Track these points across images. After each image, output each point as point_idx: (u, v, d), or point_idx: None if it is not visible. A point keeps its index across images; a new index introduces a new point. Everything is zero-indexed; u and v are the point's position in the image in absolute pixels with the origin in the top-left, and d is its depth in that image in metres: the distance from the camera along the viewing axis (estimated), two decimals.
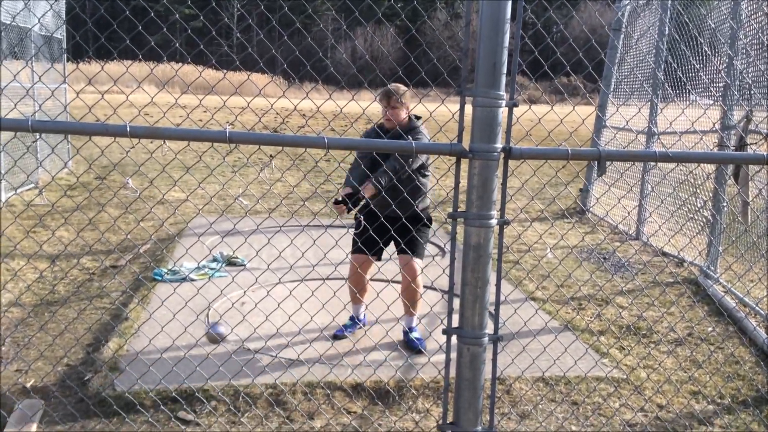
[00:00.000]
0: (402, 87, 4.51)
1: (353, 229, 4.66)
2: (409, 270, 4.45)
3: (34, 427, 3.35)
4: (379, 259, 4.61)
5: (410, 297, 4.53)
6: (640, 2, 8.74)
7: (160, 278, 5.74)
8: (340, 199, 4.24)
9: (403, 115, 4.49)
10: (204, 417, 3.56)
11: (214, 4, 2.44)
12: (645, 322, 5.22)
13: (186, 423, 3.50)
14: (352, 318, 4.79)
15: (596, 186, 9.57)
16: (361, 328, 4.80)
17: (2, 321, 4.74)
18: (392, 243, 4.56)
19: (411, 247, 4.40)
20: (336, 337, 4.60)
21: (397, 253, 4.60)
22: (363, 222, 4.44)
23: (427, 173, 4.63)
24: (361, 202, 4.31)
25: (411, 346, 4.47)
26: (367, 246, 4.42)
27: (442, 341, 2.82)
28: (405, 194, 4.05)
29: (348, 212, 4.29)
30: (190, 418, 3.54)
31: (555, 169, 2.80)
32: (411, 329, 4.57)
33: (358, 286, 4.64)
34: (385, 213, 4.08)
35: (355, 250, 4.58)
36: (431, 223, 4.70)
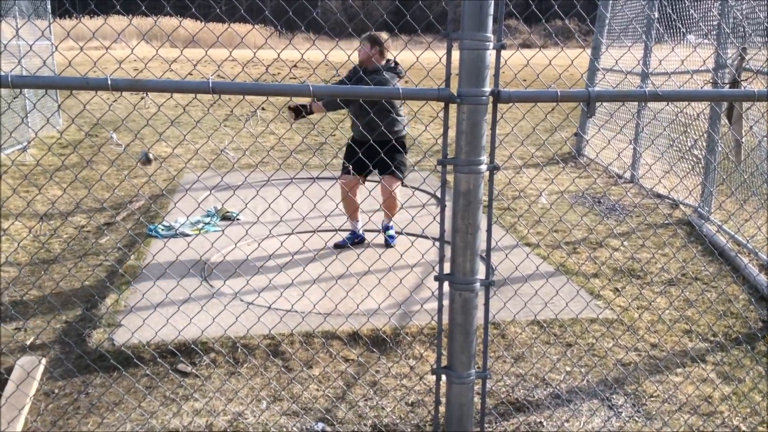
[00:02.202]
0: (384, 35, 5.30)
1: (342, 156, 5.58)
2: (389, 182, 5.36)
3: (35, 383, 3.39)
4: (364, 181, 5.52)
5: (389, 205, 5.46)
6: None
7: (153, 234, 5.74)
8: (293, 107, 5.18)
9: (382, 59, 5.31)
10: (203, 369, 3.61)
11: None
12: (638, 263, 5.25)
13: (185, 375, 3.55)
14: (352, 232, 5.65)
15: (590, 130, 9.52)
16: (359, 240, 5.63)
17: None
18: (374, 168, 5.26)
19: (389, 167, 5.11)
20: (337, 246, 5.44)
21: (379, 174, 5.49)
22: (352, 146, 5.31)
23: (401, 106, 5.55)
24: (308, 116, 5.28)
25: (386, 242, 5.59)
26: (355, 168, 5.26)
27: (434, 288, 2.84)
28: (384, 122, 4.98)
29: (295, 119, 5.26)
30: (188, 370, 3.58)
31: (545, 112, 2.77)
32: (387, 227, 5.64)
33: (350, 206, 5.54)
34: (370, 138, 4.71)
35: (345, 171, 5.42)
36: (406, 150, 5.61)
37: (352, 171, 5.35)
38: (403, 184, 5.73)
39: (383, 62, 5.32)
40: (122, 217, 6.43)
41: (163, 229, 5.83)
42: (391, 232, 5.66)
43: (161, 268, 4.57)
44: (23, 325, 4.09)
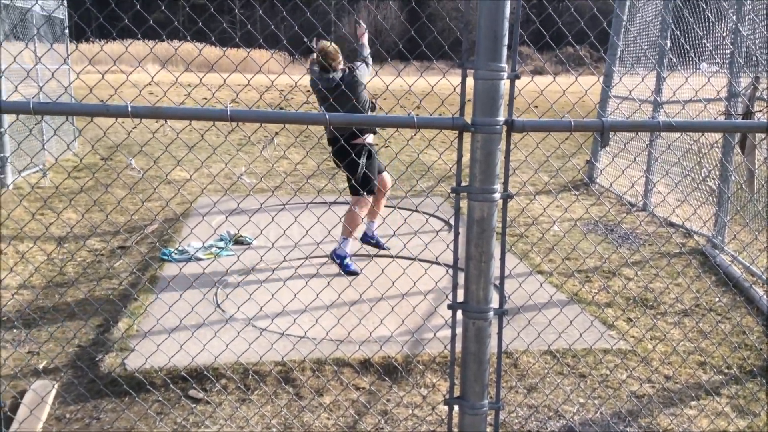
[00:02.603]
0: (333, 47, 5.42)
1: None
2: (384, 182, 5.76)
3: (47, 408, 3.39)
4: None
5: (346, 220, 5.44)
6: None
7: (167, 258, 5.77)
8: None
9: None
10: (214, 395, 3.60)
11: None
12: (651, 293, 5.21)
13: (196, 401, 3.54)
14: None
15: (603, 157, 9.52)
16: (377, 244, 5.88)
17: (12, 303, 4.77)
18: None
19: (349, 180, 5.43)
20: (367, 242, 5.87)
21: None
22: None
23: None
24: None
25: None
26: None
27: (447, 316, 2.83)
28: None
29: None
30: (200, 397, 3.57)
31: (559, 141, 2.78)
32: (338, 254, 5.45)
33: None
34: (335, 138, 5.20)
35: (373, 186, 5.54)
36: (371, 156, 5.50)
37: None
38: (369, 194, 5.56)
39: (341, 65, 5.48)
40: (136, 240, 6.47)
41: (176, 254, 5.86)
42: (347, 260, 5.43)
43: (175, 292, 4.58)
44: (38, 349, 4.10)
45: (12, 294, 4.92)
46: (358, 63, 5.43)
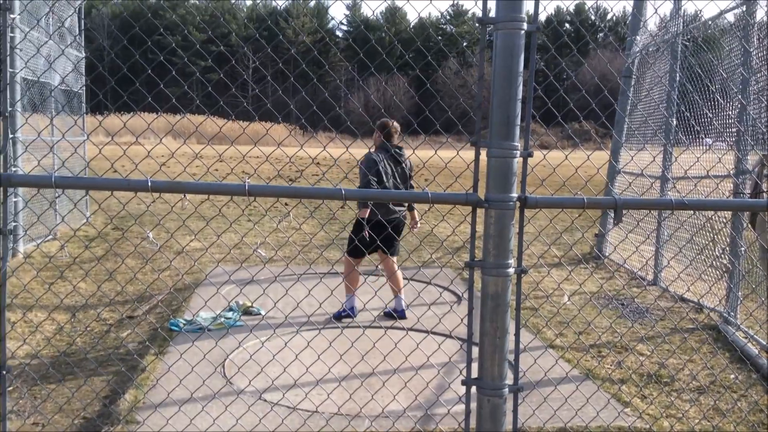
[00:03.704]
0: (389, 122, 6.28)
1: (354, 234, 6.12)
2: (388, 265, 6.25)
3: None
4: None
5: (395, 282, 6.23)
6: (650, 49, 8.84)
7: (176, 329, 5.75)
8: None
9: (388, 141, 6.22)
10: None
11: (233, 61, 2.51)
12: (666, 369, 5.14)
13: None
14: (351, 309, 6.22)
15: (612, 231, 9.54)
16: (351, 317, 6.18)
17: (20, 374, 4.75)
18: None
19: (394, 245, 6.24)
20: (340, 318, 6.11)
21: (381, 253, 6.21)
22: (368, 232, 5.77)
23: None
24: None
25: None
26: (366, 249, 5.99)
27: (461, 391, 2.80)
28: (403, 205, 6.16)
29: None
30: None
31: (571, 217, 2.81)
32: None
33: (355, 281, 6.24)
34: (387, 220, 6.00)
35: (357, 253, 6.08)
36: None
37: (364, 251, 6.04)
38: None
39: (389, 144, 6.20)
40: (145, 310, 6.47)
41: (185, 324, 5.85)
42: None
43: (183, 363, 4.55)
44: (44, 420, 4.05)
45: (21, 364, 4.90)
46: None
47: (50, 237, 9.58)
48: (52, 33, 9.61)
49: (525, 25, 2.31)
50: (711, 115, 6.52)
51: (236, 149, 2.82)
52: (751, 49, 5.70)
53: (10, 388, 4.45)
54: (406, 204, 6.16)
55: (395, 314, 6.24)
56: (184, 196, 2.48)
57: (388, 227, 5.88)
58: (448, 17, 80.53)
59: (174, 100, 2.63)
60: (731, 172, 5.75)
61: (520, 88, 2.35)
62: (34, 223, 8.60)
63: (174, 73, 2.55)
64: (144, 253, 8.94)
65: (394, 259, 6.33)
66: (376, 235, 5.62)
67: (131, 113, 3.23)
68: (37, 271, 3.88)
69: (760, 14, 5.78)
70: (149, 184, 2.36)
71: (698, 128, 6.79)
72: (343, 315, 6.19)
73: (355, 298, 6.27)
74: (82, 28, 11.74)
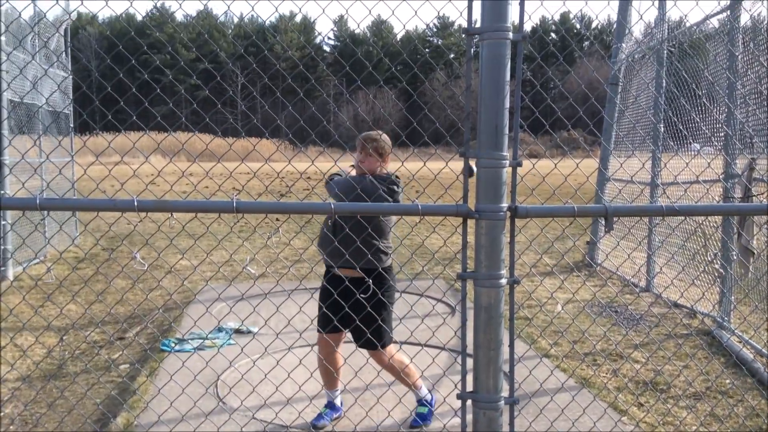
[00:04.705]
0: (384, 138, 4.12)
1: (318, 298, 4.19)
2: (379, 361, 4.12)
3: None
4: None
5: (398, 378, 4.20)
6: (636, 56, 8.89)
7: (167, 349, 5.69)
8: None
9: (376, 165, 4.07)
10: None
11: (218, 77, 2.49)
12: (662, 377, 5.11)
13: None
14: (329, 404, 4.25)
15: (604, 239, 9.54)
16: (338, 417, 4.22)
17: (10, 399, 4.67)
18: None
19: (374, 335, 3.91)
20: (315, 427, 4.07)
21: (357, 344, 4.11)
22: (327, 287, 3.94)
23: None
24: None
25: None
26: (333, 316, 3.97)
27: (456, 405, 2.76)
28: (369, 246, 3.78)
29: None
30: None
31: (562, 226, 2.79)
32: (420, 401, 4.26)
33: (332, 366, 4.15)
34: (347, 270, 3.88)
35: (322, 323, 4.14)
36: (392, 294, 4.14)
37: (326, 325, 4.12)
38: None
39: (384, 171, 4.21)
40: (136, 331, 6.40)
41: (176, 344, 5.78)
42: (423, 409, 4.22)
43: (175, 384, 4.49)
44: None
45: (11, 390, 4.83)
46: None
47: (36, 260, 9.49)
48: (34, 54, 9.57)
49: (511, 35, 2.30)
50: (698, 120, 6.54)
51: (223, 166, 2.79)
52: (737, 53, 5.74)
53: (1, 414, 4.38)
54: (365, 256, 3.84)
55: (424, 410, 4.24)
56: (171, 214, 2.45)
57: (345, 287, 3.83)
58: (435, 29, 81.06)
59: (159, 118, 2.60)
60: (720, 176, 5.76)
61: (508, 97, 2.33)
62: (19, 246, 8.51)
63: (159, 90, 2.52)
64: (133, 273, 8.86)
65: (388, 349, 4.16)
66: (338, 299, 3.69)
67: (119, 132, 3.20)
68: (24, 295, 3.82)
69: (744, 18, 5.82)
70: (135, 203, 2.32)
71: (686, 133, 6.81)
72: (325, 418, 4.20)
73: (336, 391, 4.31)
74: (68, 47, 11.71)
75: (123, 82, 2.59)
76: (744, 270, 5.15)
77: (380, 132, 4.13)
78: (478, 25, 2.33)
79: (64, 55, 11.44)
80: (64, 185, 11.01)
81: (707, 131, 6.46)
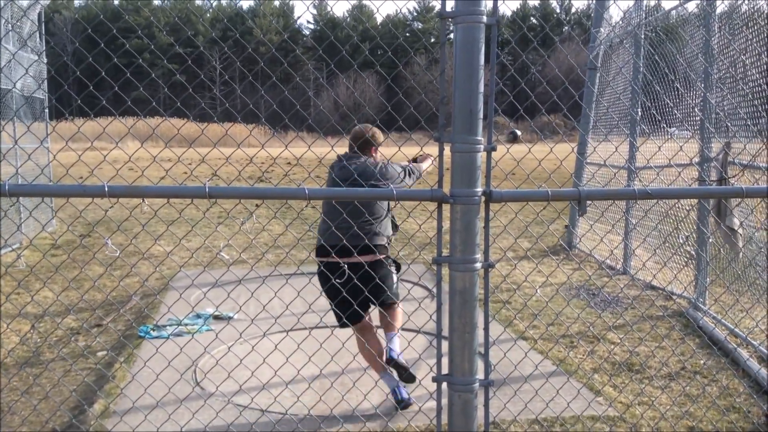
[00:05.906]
0: (378, 133, 4.38)
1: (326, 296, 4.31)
2: (398, 313, 4.42)
3: None
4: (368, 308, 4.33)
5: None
6: (614, 42, 8.92)
7: (144, 335, 5.65)
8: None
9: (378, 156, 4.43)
10: None
11: (189, 61, 2.46)
12: (637, 357, 5.18)
13: None
14: (391, 387, 4.27)
15: (581, 222, 9.62)
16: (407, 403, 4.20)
17: None
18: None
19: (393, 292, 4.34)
20: (404, 402, 4.16)
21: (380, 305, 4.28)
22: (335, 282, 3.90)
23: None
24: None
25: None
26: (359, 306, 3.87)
27: (432, 388, 2.78)
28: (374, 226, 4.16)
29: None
30: None
31: (536, 211, 2.81)
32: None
33: (375, 349, 4.27)
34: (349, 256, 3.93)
35: (348, 318, 4.27)
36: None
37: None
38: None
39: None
40: (112, 318, 6.35)
41: (153, 330, 5.75)
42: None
43: (151, 371, 4.47)
44: None
45: None
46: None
47: (9, 248, 9.35)
48: (3, 36, 9.38)
49: (485, 18, 2.29)
50: (672, 105, 6.59)
51: (196, 151, 2.76)
52: (712, 38, 5.77)
53: None
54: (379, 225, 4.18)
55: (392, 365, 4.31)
56: (143, 200, 2.42)
57: (363, 262, 3.86)
58: (415, 13, 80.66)
59: (129, 103, 2.56)
60: (694, 160, 5.81)
61: (482, 81, 2.33)
62: None
63: (128, 75, 2.49)
64: (108, 260, 8.78)
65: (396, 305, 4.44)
66: (350, 276, 3.89)
67: (96, 118, 3.15)
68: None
69: (719, 4, 5.85)
70: (106, 189, 2.29)
71: (659, 118, 6.86)
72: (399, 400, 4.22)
73: (387, 375, 4.34)
74: (42, 32, 11.50)
75: (98, 67, 2.55)
76: (734, 253, 5.20)
77: (374, 130, 4.43)
78: (452, 8, 2.32)
79: (38, 38, 11.24)
80: (39, 172, 10.86)
81: (681, 115, 6.51)
